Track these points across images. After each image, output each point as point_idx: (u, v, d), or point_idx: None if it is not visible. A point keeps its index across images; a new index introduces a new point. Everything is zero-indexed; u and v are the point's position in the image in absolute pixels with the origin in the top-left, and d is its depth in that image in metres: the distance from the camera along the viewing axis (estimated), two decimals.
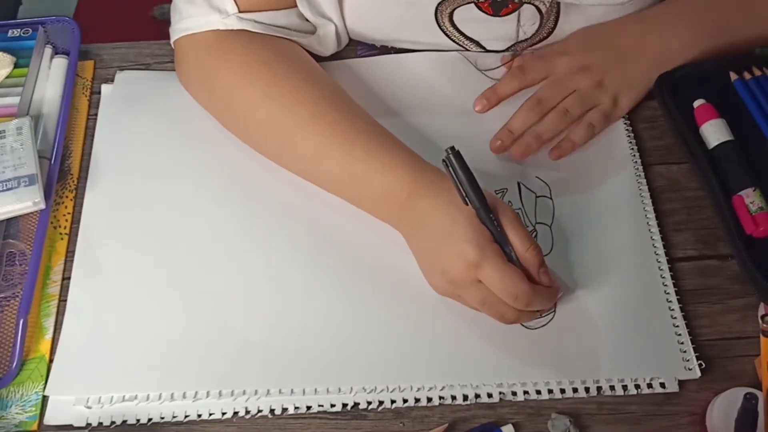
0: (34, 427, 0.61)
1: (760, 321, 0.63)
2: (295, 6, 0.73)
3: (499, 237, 0.61)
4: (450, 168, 0.61)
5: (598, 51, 0.75)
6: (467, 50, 0.80)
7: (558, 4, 0.74)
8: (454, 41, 0.79)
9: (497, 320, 0.62)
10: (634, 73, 0.75)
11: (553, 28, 0.77)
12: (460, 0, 0.74)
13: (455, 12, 0.75)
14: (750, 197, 0.67)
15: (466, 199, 0.61)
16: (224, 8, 0.70)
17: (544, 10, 0.74)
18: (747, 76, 0.75)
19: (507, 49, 0.79)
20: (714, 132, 0.72)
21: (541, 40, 0.78)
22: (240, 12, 0.70)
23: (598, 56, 0.75)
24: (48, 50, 0.81)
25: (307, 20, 0.75)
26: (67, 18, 0.83)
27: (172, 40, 0.74)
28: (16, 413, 0.61)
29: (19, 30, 0.81)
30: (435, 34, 0.78)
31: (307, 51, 0.75)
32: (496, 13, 0.75)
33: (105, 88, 0.79)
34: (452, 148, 0.61)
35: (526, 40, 0.77)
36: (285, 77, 0.70)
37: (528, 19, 0.75)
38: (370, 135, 0.68)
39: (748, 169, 0.69)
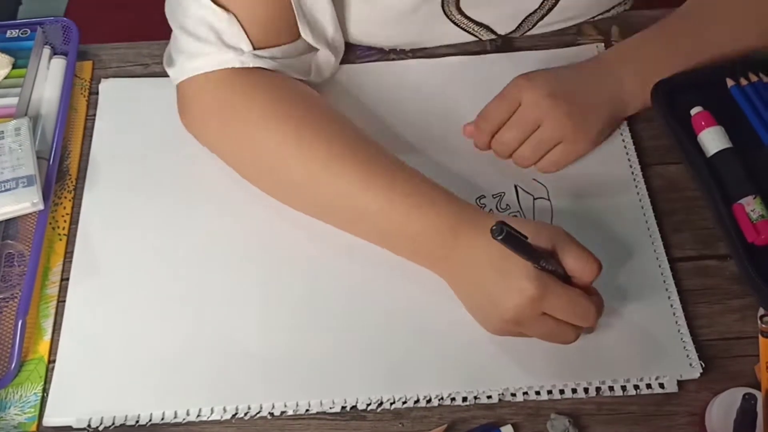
0: (33, 428, 0.61)
1: (759, 321, 0.63)
2: (299, 37, 0.72)
3: (558, 274, 0.59)
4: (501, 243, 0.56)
5: (558, 103, 0.70)
6: (478, 37, 0.80)
7: None
8: (463, 29, 0.78)
9: (559, 344, 0.60)
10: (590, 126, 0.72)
11: None
12: None
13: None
14: (750, 205, 0.67)
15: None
16: (239, 46, 0.68)
17: None
18: (743, 82, 0.74)
19: (516, 28, 0.80)
20: (712, 140, 0.71)
21: (550, 9, 0.78)
22: (255, 50, 0.69)
23: (559, 112, 0.70)
24: (46, 51, 0.81)
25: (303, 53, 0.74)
26: (65, 18, 0.83)
27: (177, 80, 0.70)
28: (15, 414, 0.61)
29: (17, 30, 0.81)
30: (443, 25, 0.77)
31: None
32: None
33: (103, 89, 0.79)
34: (499, 225, 0.53)
35: (534, 11, 0.77)
36: (313, 115, 0.68)
37: None
38: (408, 172, 0.66)
39: (747, 177, 0.68)
